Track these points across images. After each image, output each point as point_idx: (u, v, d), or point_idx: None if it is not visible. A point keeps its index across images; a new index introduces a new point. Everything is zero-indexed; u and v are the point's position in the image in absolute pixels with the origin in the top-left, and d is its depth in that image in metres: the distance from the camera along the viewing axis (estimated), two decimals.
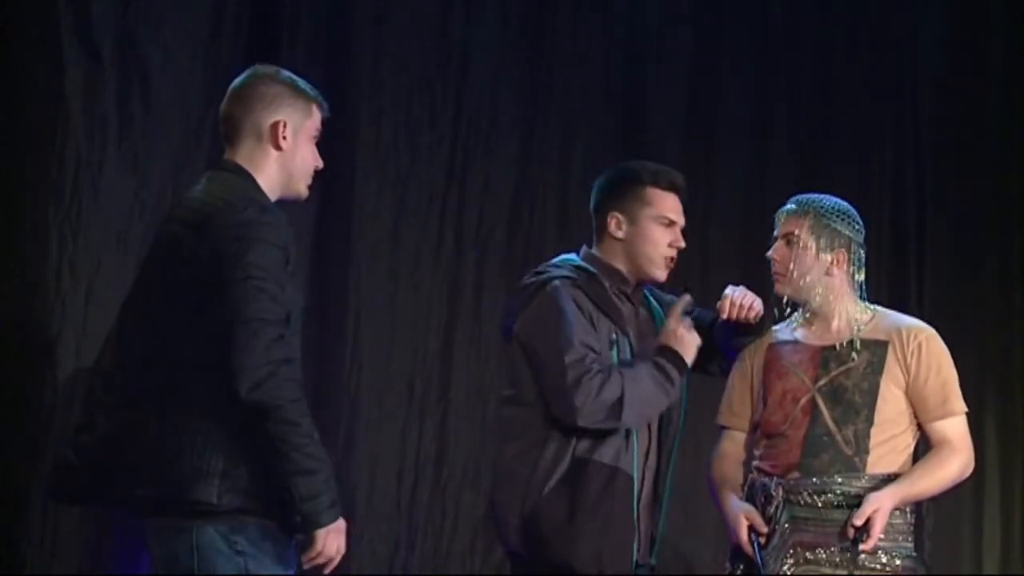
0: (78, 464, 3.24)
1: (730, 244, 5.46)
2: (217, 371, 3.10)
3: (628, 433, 3.71)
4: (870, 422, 3.70)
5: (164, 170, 4.45)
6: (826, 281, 3.78)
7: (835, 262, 3.77)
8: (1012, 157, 5.89)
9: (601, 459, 3.67)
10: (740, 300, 3.82)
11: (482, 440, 4.98)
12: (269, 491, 3.14)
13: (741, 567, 3.75)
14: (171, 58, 4.50)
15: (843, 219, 3.78)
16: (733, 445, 3.91)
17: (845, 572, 3.63)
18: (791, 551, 3.67)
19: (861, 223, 3.83)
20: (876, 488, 3.65)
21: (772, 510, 3.70)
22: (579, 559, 3.64)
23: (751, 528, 3.70)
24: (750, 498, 3.76)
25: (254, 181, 3.33)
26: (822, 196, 3.84)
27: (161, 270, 3.28)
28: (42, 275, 4.25)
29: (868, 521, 3.60)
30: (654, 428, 3.80)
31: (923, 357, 3.73)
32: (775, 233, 3.84)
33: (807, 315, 3.83)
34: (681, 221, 3.86)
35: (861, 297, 3.83)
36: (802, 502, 3.69)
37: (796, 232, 3.78)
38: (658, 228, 3.82)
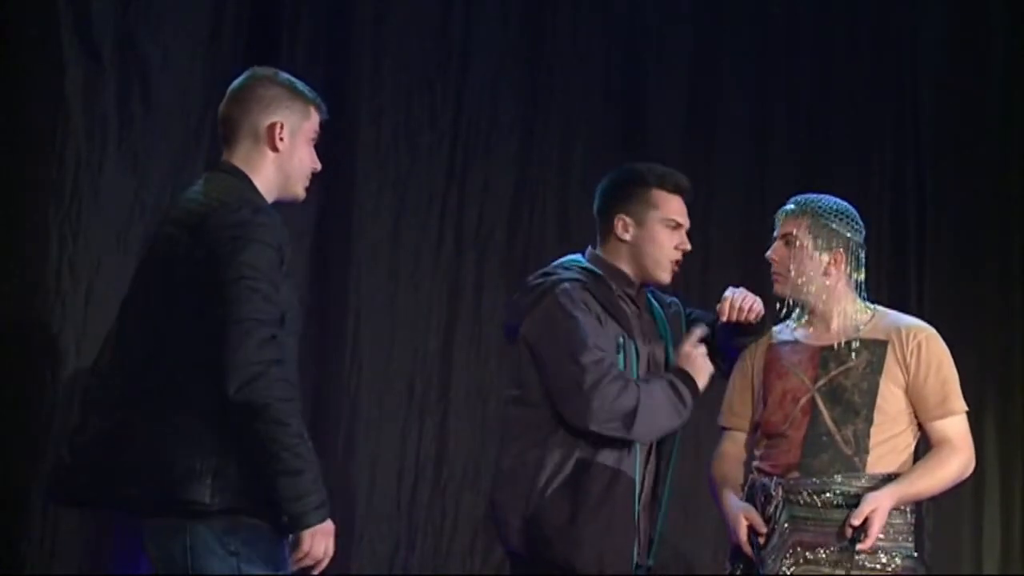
0: (75, 465, 3.25)
1: (730, 244, 5.46)
2: (212, 371, 3.11)
3: None
4: (869, 422, 3.70)
5: (164, 170, 4.46)
6: (824, 281, 3.78)
7: (833, 262, 3.77)
8: (1012, 157, 5.89)
9: (604, 461, 3.68)
10: (740, 302, 3.83)
11: (482, 440, 4.98)
12: (263, 491, 3.14)
13: (741, 567, 3.75)
14: (171, 58, 4.50)
15: (841, 219, 3.78)
16: (734, 445, 3.91)
17: (845, 572, 3.63)
18: (791, 551, 3.67)
19: (861, 223, 3.83)
20: (876, 488, 3.65)
21: (772, 510, 3.70)
22: (581, 560, 3.64)
23: (750, 528, 3.70)
24: (750, 498, 3.77)
25: (251, 182, 3.34)
26: (821, 196, 3.84)
27: (157, 271, 3.29)
28: (42, 275, 4.25)
29: (866, 521, 3.60)
30: None
31: (923, 356, 3.72)
32: (775, 234, 3.84)
33: (807, 315, 3.83)
34: (686, 224, 3.87)
35: (861, 297, 3.83)
36: (802, 502, 3.69)
37: (794, 232, 3.78)
38: (665, 231, 3.83)
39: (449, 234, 5.08)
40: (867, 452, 3.69)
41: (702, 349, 3.81)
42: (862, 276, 3.81)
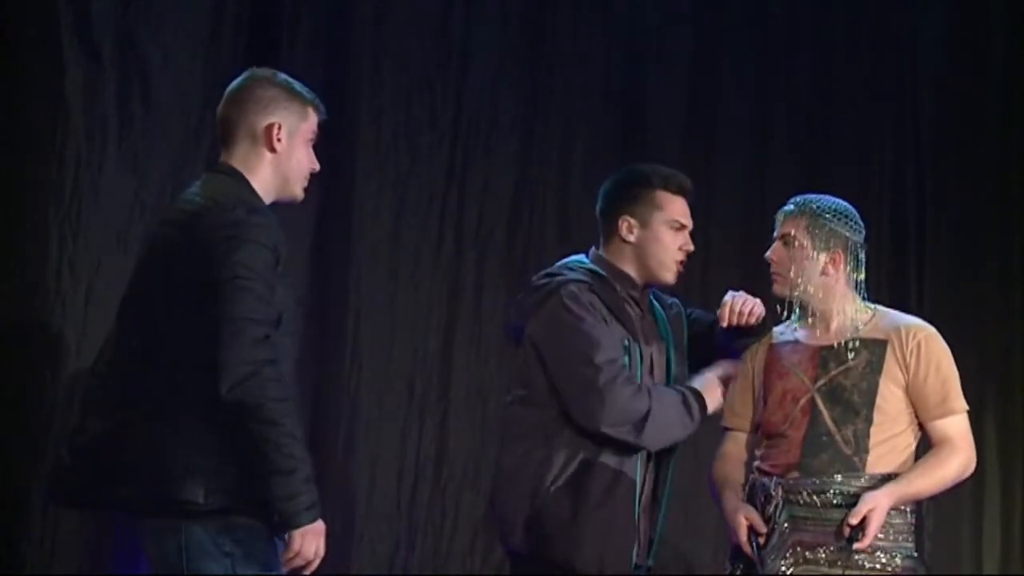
0: (75, 465, 3.25)
1: (730, 244, 5.46)
2: (211, 371, 3.11)
3: None
4: (869, 421, 3.70)
5: (164, 170, 4.46)
6: (823, 281, 3.78)
7: (832, 262, 3.77)
8: (1012, 157, 5.89)
9: (606, 462, 3.68)
10: (739, 307, 3.84)
11: (482, 440, 4.98)
12: (257, 491, 3.14)
13: (741, 567, 3.75)
14: (171, 58, 4.50)
15: (840, 219, 3.78)
16: (735, 446, 3.91)
17: (844, 572, 3.63)
18: (790, 551, 3.67)
19: (861, 223, 3.82)
20: (875, 488, 3.65)
21: (771, 510, 3.70)
22: (580, 560, 3.65)
23: (750, 528, 3.70)
24: (750, 498, 3.76)
25: (248, 183, 3.34)
26: (820, 196, 3.84)
27: (154, 272, 3.29)
28: (42, 275, 4.25)
29: (864, 520, 3.59)
30: None
31: (922, 356, 3.72)
32: (774, 234, 3.85)
33: (807, 315, 3.83)
34: (690, 225, 3.88)
35: (861, 297, 3.83)
36: (801, 502, 3.69)
37: (792, 233, 3.78)
38: (669, 232, 3.83)
39: (449, 234, 5.08)
40: (867, 452, 3.69)
41: (722, 380, 3.85)
42: (862, 276, 3.81)
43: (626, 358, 3.74)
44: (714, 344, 3.94)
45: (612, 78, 5.45)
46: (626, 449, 3.69)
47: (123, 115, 4.40)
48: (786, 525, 3.68)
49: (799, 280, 3.77)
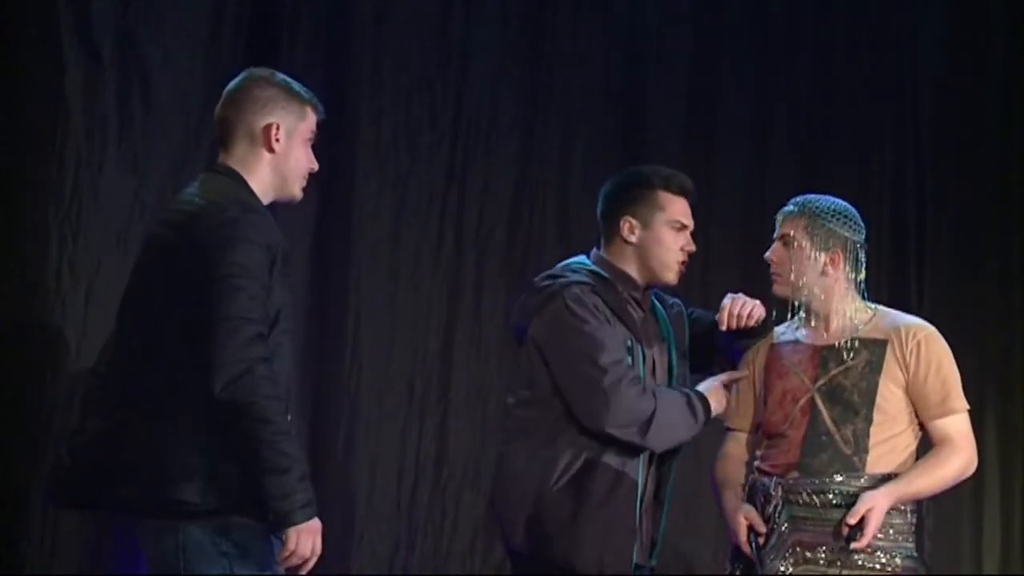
0: (74, 466, 3.25)
1: (730, 244, 5.46)
2: (207, 371, 3.11)
3: None
4: (869, 421, 3.70)
5: (164, 170, 4.46)
6: (823, 281, 3.78)
7: (831, 262, 3.77)
8: (1012, 157, 5.89)
9: (608, 462, 3.68)
10: (738, 310, 3.84)
11: (482, 440, 4.98)
12: (254, 491, 3.14)
13: (741, 567, 3.75)
14: (171, 58, 4.50)
15: (839, 219, 3.78)
16: (737, 446, 3.92)
17: (844, 572, 3.63)
18: (790, 551, 3.67)
19: (860, 223, 3.82)
20: (875, 488, 3.65)
21: (771, 510, 3.70)
22: (581, 560, 3.65)
23: (750, 528, 3.70)
24: (750, 498, 3.77)
25: (245, 184, 3.34)
26: (820, 197, 3.84)
27: (152, 272, 3.29)
28: (42, 275, 4.25)
29: (863, 519, 3.59)
30: None
31: (922, 355, 3.72)
32: (774, 235, 3.85)
33: (807, 315, 3.83)
34: (691, 225, 3.87)
35: (862, 297, 3.83)
36: (801, 502, 3.69)
37: (792, 233, 3.78)
38: (671, 233, 3.83)
39: (449, 234, 5.08)
40: (866, 452, 3.69)
41: (726, 384, 3.85)
42: (862, 276, 3.81)
43: (629, 359, 3.74)
44: (715, 344, 3.94)
45: (612, 78, 5.45)
46: (629, 450, 3.69)
47: (123, 115, 4.40)
48: (786, 525, 3.68)
49: (799, 280, 3.77)
